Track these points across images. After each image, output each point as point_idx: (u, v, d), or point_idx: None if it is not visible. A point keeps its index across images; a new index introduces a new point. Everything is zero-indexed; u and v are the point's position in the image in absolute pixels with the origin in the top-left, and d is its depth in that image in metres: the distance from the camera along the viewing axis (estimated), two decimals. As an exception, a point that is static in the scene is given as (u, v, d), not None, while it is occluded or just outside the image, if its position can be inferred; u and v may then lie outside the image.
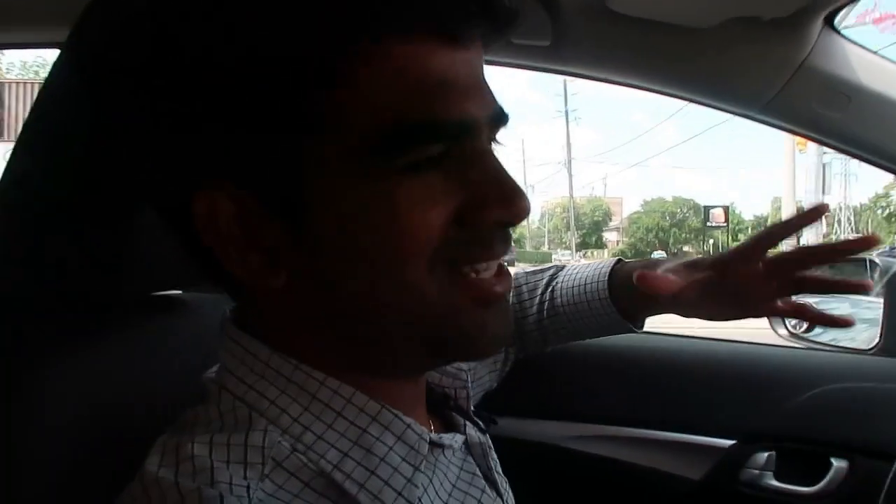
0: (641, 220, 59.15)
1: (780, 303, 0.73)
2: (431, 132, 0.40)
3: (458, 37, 0.41)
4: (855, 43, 0.93)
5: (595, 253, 47.70)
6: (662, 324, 1.04)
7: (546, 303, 0.87)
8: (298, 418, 0.44)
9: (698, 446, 1.11)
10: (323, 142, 0.40)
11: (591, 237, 52.76)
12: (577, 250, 42.61)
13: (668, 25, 0.89)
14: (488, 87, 0.45)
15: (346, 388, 0.45)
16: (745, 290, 0.73)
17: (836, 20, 0.92)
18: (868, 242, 0.68)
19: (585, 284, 0.83)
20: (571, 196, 41.45)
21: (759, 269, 0.72)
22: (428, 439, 0.47)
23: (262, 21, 0.39)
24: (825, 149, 16.94)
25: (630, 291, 0.78)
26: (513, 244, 0.52)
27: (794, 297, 1.09)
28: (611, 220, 55.46)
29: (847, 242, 0.68)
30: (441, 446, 0.51)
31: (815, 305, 1.52)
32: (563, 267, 0.90)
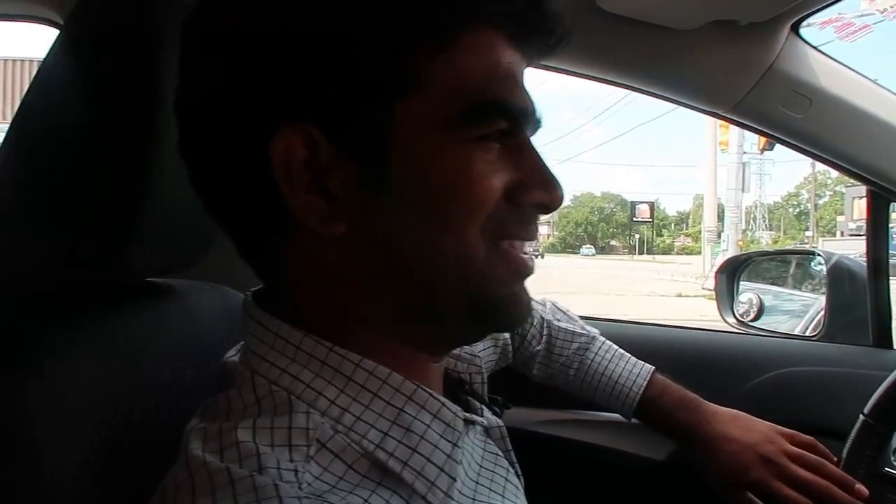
0: (571, 215, 60.53)
1: None
2: (502, 110, 0.46)
3: (525, 46, 0.48)
4: (817, 49, 1.00)
5: (527, 245, 50.66)
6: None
7: (570, 368, 1.00)
8: (335, 400, 0.45)
9: None
10: (415, 101, 0.44)
11: (522, 230, 53.81)
12: (509, 243, 44.09)
13: (652, 26, 0.93)
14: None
15: (382, 370, 0.46)
16: None
17: (802, 26, 0.98)
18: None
19: (616, 383, 0.96)
20: (505, 190, 42.50)
21: None
22: (462, 417, 0.49)
23: None
24: (745, 148, 17.89)
25: (649, 413, 0.95)
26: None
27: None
28: (542, 214, 56.57)
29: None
30: (472, 423, 0.53)
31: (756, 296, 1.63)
32: (593, 338, 1.00)
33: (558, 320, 1.02)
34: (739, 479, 0.86)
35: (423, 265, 0.45)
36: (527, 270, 0.50)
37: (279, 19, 0.43)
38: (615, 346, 1.01)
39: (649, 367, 0.97)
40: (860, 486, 0.82)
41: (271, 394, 0.45)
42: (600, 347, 0.99)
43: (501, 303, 0.48)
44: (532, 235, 0.50)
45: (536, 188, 0.48)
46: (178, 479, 0.41)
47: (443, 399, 0.48)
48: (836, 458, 0.88)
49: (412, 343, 0.49)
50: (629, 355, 0.99)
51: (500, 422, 0.60)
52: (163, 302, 0.72)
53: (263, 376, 0.46)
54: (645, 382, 0.95)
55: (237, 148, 0.45)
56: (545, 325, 1.01)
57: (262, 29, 0.44)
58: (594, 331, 1.03)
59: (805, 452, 0.86)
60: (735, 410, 0.94)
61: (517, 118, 0.47)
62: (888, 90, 1.03)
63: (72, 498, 0.48)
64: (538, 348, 1.00)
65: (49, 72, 0.57)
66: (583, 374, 0.98)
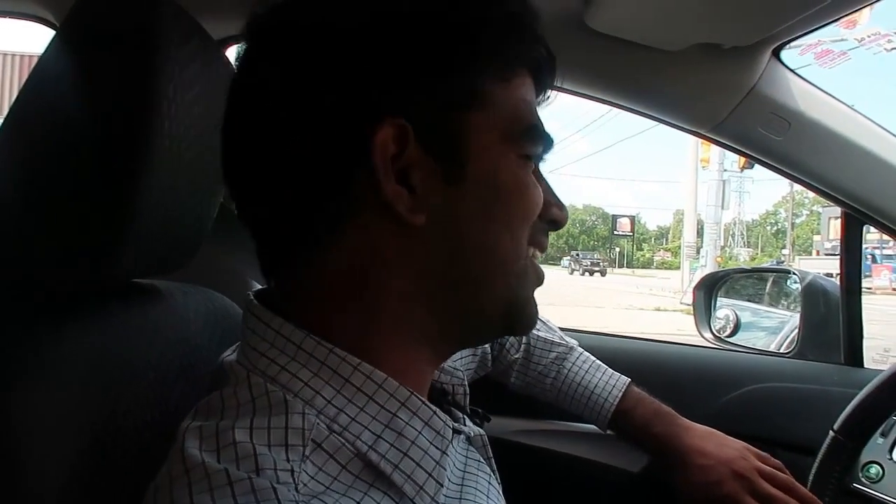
0: (553, 226, 60.91)
1: None
2: (543, 135, 0.53)
3: (540, 87, 0.55)
4: (797, 73, 1.03)
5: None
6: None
7: (547, 377, 1.02)
8: (332, 400, 0.46)
9: None
10: (485, 116, 0.49)
11: (504, 240, 53.86)
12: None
13: (639, 45, 0.96)
14: None
15: (379, 374, 0.47)
16: None
17: (783, 52, 1.01)
18: None
19: (592, 393, 0.99)
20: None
21: None
22: (451, 426, 0.50)
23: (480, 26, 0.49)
24: (725, 166, 18.14)
25: (623, 424, 0.98)
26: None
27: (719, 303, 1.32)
28: (524, 224, 56.67)
29: None
30: (459, 433, 0.55)
31: (732, 312, 1.66)
32: (571, 349, 1.03)
33: (537, 330, 1.03)
34: (711, 493, 0.88)
35: (482, 257, 0.50)
36: (543, 280, 0.57)
37: (389, 29, 0.48)
38: (592, 358, 1.02)
39: (625, 380, 0.99)
40: None
41: (267, 394, 0.45)
42: (578, 358, 1.01)
43: (527, 304, 0.55)
44: (545, 247, 0.56)
45: (555, 207, 0.55)
46: (174, 474, 0.41)
47: (434, 408, 0.49)
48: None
49: (430, 342, 0.51)
50: (606, 367, 1.01)
51: (482, 431, 0.61)
52: (148, 303, 0.71)
53: (262, 372, 0.47)
54: (620, 394, 0.97)
55: (329, 144, 0.47)
56: None
57: (368, 37, 0.47)
58: (572, 341, 1.04)
59: (776, 471, 0.89)
60: (709, 427, 0.96)
61: (550, 145, 0.54)
62: (864, 116, 1.06)
63: (57, 501, 0.48)
64: (516, 356, 1.02)
65: (45, 70, 0.57)
66: (559, 384, 1.00)
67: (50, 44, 0.58)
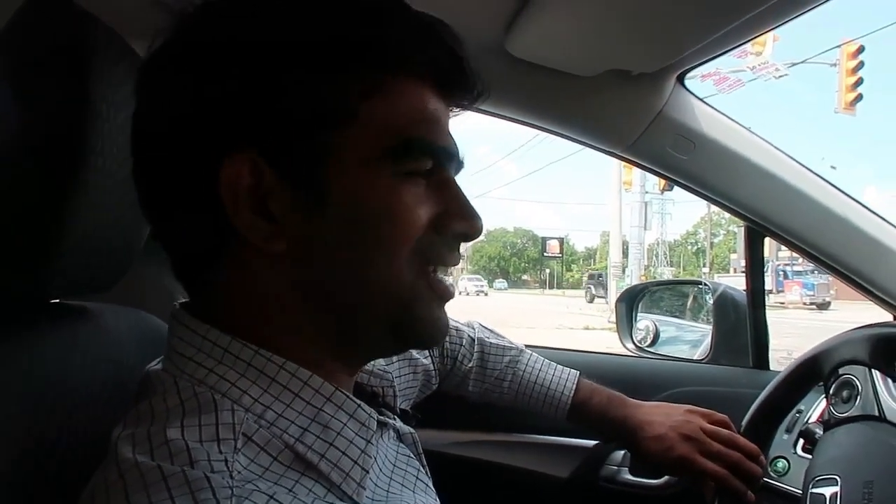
0: (485, 249, 61.54)
1: None
2: (425, 149, 0.51)
3: (450, 93, 0.53)
4: (699, 98, 1.12)
5: (440, 279, 48.45)
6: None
7: (503, 381, 1.06)
8: (259, 398, 0.48)
9: (566, 447, 1.24)
10: (349, 136, 0.48)
11: (436, 264, 53.76)
12: (423, 276, 42.90)
13: (555, 71, 1.02)
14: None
15: (304, 372, 0.50)
16: None
17: (686, 78, 1.10)
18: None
19: (549, 390, 1.03)
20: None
21: None
22: (376, 417, 0.53)
23: (331, 40, 0.48)
24: (647, 188, 18.88)
25: (582, 414, 1.03)
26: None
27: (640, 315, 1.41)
28: (456, 247, 56.84)
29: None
30: (385, 425, 0.58)
31: (652, 324, 1.74)
32: (521, 351, 1.07)
33: (488, 337, 1.08)
34: (667, 457, 0.96)
35: (348, 286, 0.50)
36: (448, 295, 0.55)
37: (230, 59, 0.47)
38: (542, 357, 1.07)
39: (575, 373, 1.05)
40: (762, 458, 0.97)
41: (195, 395, 0.47)
42: (529, 359, 1.06)
43: (421, 323, 0.53)
44: (456, 261, 0.55)
45: (458, 219, 0.53)
46: (110, 479, 0.42)
47: (359, 401, 0.52)
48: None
49: (332, 355, 0.52)
50: (555, 364, 1.06)
51: (411, 429, 0.64)
52: (78, 323, 0.71)
53: (190, 375, 0.48)
54: (574, 387, 1.03)
55: (188, 173, 0.48)
56: (476, 342, 1.06)
57: (214, 67, 0.48)
58: (521, 344, 1.09)
59: (718, 428, 0.98)
60: (655, 402, 1.05)
61: (440, 157, 0.52)
62: (760, 136, 1.16)
63: None
64: (471, 365, 1.05)
65: None
66: (517, 385, 1.04)
67: None
